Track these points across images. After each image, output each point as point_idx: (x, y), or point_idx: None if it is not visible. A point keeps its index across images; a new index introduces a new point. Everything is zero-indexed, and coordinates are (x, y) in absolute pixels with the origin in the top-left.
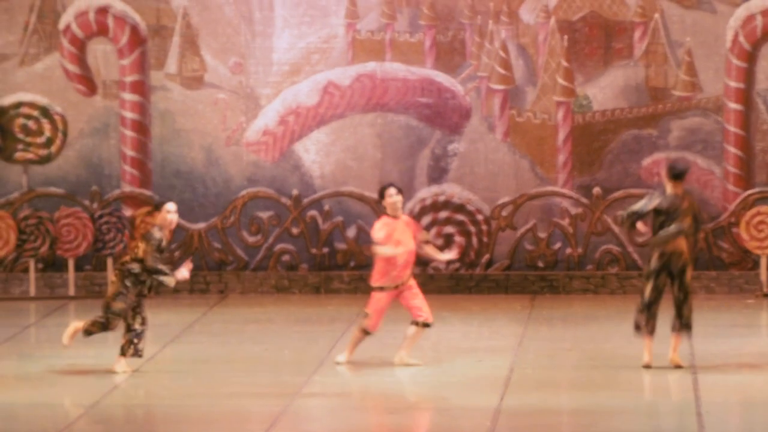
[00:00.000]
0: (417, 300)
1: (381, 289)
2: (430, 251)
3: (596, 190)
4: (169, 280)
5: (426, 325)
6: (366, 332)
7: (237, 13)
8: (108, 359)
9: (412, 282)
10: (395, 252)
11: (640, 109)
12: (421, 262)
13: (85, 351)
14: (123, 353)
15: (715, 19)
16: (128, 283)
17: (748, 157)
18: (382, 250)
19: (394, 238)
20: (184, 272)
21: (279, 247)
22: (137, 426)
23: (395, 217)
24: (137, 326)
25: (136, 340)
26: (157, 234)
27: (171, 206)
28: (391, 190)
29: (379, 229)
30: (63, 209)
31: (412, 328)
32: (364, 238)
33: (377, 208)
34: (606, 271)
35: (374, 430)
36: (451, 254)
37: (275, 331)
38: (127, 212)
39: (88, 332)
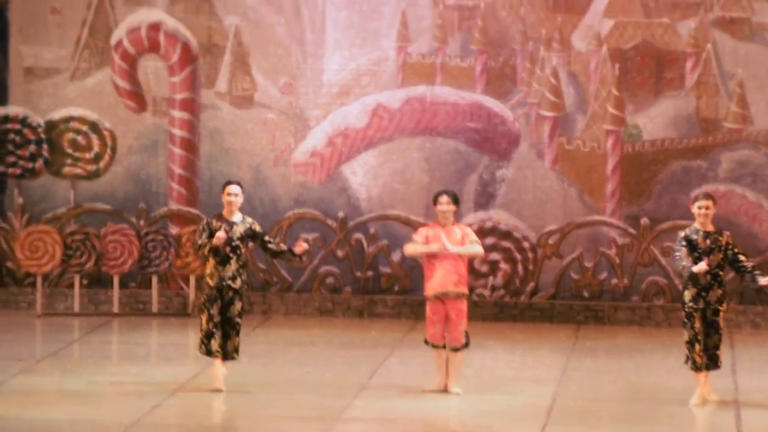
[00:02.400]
0: (451, 323)
1: (426, 298)
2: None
3: (644, 220)
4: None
5: (454, 349)
6: (429, 344)
7: (288, 33)
8: (150, 377)
9: (461, 303)
10: (421, 249)
11: (690, 140)
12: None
13: (127, 368)
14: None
15: (767, 51)
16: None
17: None
18: (409, 247)
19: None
20: (303, 245)
21: (323, 269)
22: None
23: (443, 226)
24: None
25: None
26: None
27: (233, 188)
28: (443, 198)
29: (419, 232)
30: (110, 225)
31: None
32: (408, 262)
33: None
34: (652, 302)
35: None
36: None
37: (318, 354)
38: (174, 230)
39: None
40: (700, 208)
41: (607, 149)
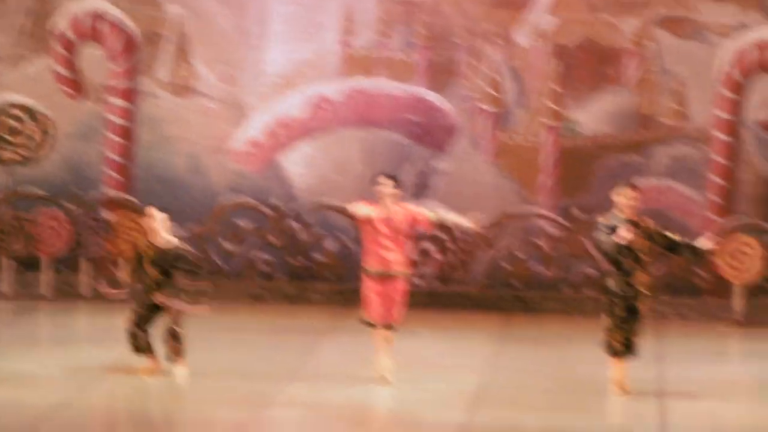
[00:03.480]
0: (392, 303)
1: (366, 272)
2: (452, 219)
3: (578, 213)
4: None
5: (388, 327)
6: (367, 323)
7: (231, 23)
8: (79, 360)
9: (404, 283)
10: (360, 211)
11: (627, 136)
12: None
13: (57, 351)
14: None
15: (709, 50)
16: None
17: (731, 187)
18: (352, 207)
19: (376, 222)
20: None
21: (257, 256)
22: (102, 429)
23: (387, 206)
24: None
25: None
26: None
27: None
28: (381, 178)
29: (362, 205)
30: (43, 210)
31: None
32: (342, 251)
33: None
34: (581, 293)
35: None
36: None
37: (249, 341)
38: (108, 216)
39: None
40: (624, 198)
41: (546, 144)
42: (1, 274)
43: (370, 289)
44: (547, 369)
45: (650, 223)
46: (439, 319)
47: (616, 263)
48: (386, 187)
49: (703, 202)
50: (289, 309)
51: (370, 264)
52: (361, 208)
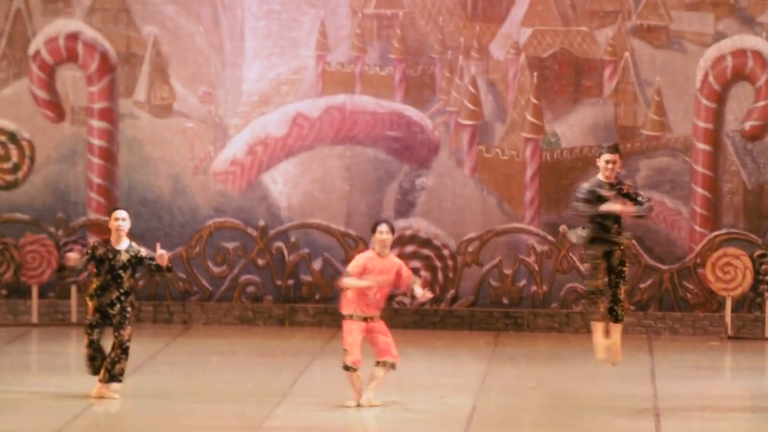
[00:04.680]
0: (385, 338)
1: (350, 317)
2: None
3: (562, 227)
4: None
5: (392, 365)
6: (351, 369)
7: (207, 42)
8: (70, 387)
9: (381, 322)
10: (361, 284)
11: None
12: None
13: (47, 379)
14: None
15: (686, 59)
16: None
17: (716, 198)
18: (348, 282)
19: (368, 275)
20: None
21: (244, 278)
22: None
23: (381, 255)
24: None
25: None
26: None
27: (120, 213)
28: (382, 227)
29: (355, 262)
30: (28, 236)
31: (380, 370)
32: (329, 270)
33: (343, 240)
34: (570, 309)
35: None
36: (424, 294)
37: (238, 363)
38: (92, 240)
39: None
40: (607, 162)
41: (526, 157)
42: None
43: (351, 331)
44: (539, 386)
45: (631, 188)
46: (428, 338)
47: (600, 224)
48: (385, 234)
49: (688, 214)
50: (277, 331)
51: (352, 307)
52: (353, 279)
